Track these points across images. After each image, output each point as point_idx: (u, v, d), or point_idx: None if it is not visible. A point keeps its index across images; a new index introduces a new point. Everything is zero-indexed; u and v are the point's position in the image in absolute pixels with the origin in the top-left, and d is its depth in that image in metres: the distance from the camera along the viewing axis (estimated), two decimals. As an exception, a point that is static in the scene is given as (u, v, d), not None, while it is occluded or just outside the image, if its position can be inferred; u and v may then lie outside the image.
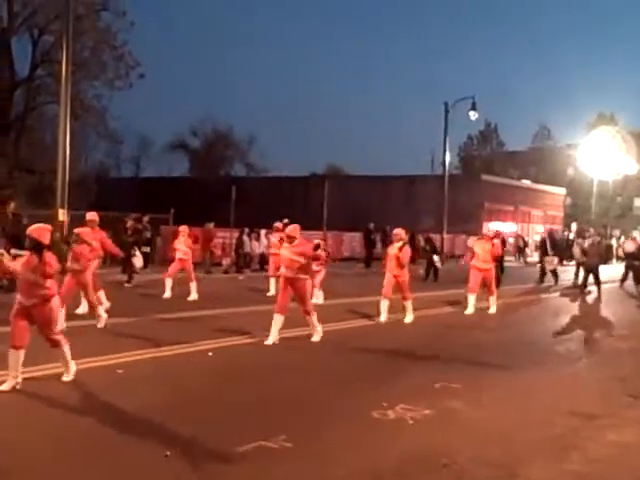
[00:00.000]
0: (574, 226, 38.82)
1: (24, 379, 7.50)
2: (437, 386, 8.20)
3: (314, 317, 11.03)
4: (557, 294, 21.53)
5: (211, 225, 25.94)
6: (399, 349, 10.73)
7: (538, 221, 54.07)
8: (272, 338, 10.60)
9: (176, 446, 5.78)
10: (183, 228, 17.54)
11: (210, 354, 9.68)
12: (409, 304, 13.65)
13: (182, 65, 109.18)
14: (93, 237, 12.31)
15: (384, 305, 13.42)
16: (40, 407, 6.96)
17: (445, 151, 37.73)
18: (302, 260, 10.80)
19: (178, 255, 16.90)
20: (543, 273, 24.42)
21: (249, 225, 27.44)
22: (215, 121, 57.92)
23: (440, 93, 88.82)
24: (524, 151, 72.11)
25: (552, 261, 24.17)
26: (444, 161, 38.55)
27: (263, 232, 27.75)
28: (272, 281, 16.90)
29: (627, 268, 24.37)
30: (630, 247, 24.95)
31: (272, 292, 16.31)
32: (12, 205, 19.58)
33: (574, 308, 18.80)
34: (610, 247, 34.58)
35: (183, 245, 16.98)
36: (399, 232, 13.66)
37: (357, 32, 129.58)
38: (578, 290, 21.33)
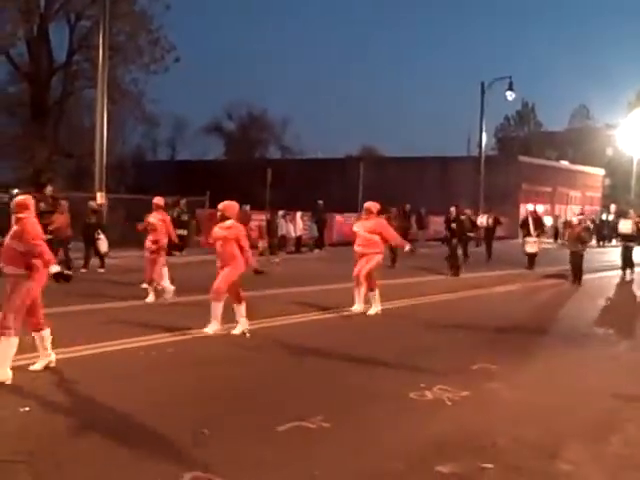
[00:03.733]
0: (613, 207, 38.20)
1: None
2: (474, 367, 8.19)
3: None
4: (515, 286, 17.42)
5: (247, 208, 26.10)
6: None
7: (576, 202, 53.34)
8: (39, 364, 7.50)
9: (215, 425, 5.86)
10: None
11: (248, 335, 9.77)
12: (242, 308, 9.97)
13: (217, 48, 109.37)
14: None
15: (217, 308, 9.84)
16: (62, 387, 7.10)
17: (481, 132, 37.41)
18: (20, 248, 7.25)
19: None
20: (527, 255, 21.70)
21: (285, 207, 27.50)
22: (250, 104, 58.02)
23: (476, 73, 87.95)
24: (562, 131, 71.06)
25: (533, 243, 21.58)
26: (480, 142, 38.23)
27: (299, 214, 27.83)
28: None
29: (624, 252, 20.62)
30: (626, 227, 21.10)
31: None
32: (49, 188, 19.88)
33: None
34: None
35: None
36: (226, 206, 10.09)
37: (391, 13, 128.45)
38: (570, 279, 18.12)
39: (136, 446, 5.40)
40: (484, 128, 37.41)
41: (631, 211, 22.59)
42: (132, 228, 16.78)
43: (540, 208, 46.00)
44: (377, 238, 12.00)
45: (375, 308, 11.99)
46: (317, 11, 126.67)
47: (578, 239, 18.12)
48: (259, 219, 26.97)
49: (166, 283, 13.13)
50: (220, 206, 10.20)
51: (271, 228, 26.17)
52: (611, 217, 34.60)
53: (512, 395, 7.13)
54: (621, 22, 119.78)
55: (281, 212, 26.70)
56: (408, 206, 31.66)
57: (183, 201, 24.81)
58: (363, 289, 12.02)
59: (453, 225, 20.24)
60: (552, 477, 5.10)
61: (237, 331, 9.82)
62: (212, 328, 9.75)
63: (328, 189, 37.31)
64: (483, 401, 6.91)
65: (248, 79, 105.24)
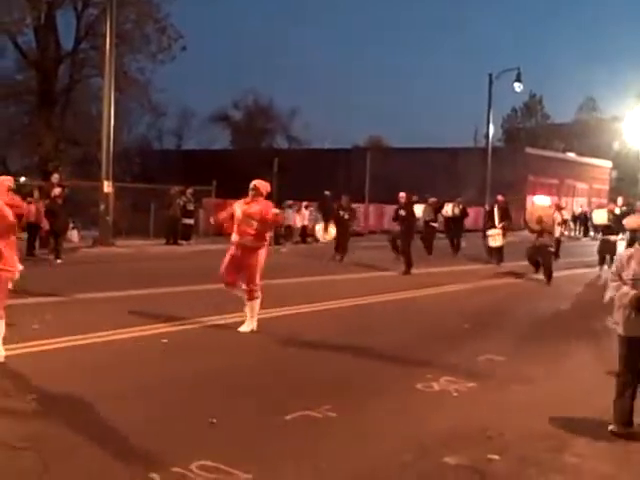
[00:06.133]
0: (620, 200, 38.06)
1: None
2: (480, 359, 8.19)
3: None
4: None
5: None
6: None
7: (583, 195, 53.25)
8: None
9: (222, 413, 5.87)
10: None
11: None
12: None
13: (224, 37, 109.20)
14: None
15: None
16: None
17: (489, 123, 37.22)
18: None
19: None
20: (490, 250, 19.74)
21: (291, 197, 27.49)
22: (257, 93, 57.96)
23: (484, 64, 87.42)
24: (569, 123, 70.84)
25: (497, 235, 19.26)
26: (487, 133, 38.06)
27: (304, 204, 27.82)
28: None
29: (602, 247, 18.22)
30: (601, 217, 18.70)
31: None
32: (55, 176, 19.90)
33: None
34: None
35: None
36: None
37: (399, 3, 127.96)
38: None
39: (147, 434, 5.40)
40: (491, 119, 37.24)
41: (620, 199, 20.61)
42: (138, 216, 16.75)
43: (547, 200, 46.00)
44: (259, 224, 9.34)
45: (250, 324, 9.27)
46: (324, 1, 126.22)
47: (537, 223, 15.57)
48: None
49: None
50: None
51: (277, 218, 26.19)
52: (617, 210, 34.40)
53: (518, 387, 7.12)
54: (629, 14, 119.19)
55: (288, 202, 26.70)
56: (415, 197, 31.60)
57: (189, 190, 24.83)
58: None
59: (401, 212, 17.21)
60: (559, 469, 5.09)
61: None
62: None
63: (335, 179, 37.27)
64: (490, 392, 6.90)
65: (256, 69, 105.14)
